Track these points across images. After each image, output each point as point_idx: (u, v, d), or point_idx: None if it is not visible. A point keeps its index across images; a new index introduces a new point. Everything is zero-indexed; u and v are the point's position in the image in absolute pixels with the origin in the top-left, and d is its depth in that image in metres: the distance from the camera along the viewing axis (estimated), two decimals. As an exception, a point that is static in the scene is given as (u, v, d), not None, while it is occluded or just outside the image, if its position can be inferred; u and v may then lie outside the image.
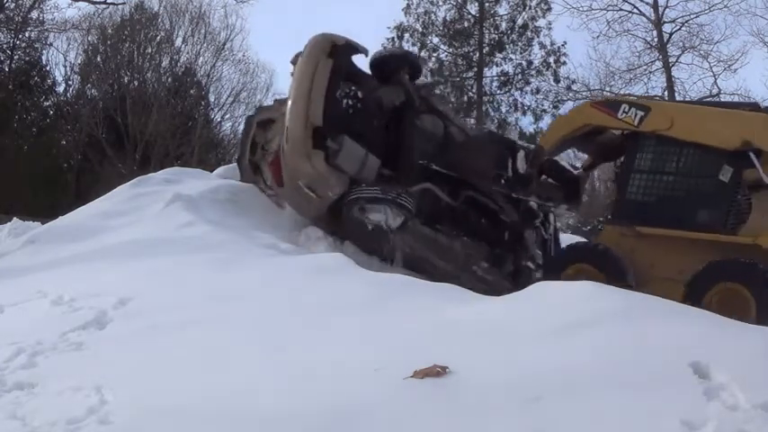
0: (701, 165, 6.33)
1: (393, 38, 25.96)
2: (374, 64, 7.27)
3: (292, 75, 7.02)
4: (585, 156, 8.17)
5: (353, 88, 7.05)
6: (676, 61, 22.67)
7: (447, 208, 7.12)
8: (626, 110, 6.68)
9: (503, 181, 7.04)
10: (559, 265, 6.71)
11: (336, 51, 6.80)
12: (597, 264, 6.40)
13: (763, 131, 6.05)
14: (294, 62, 7.18)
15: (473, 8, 26.08)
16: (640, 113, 6.58)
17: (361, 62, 7.32)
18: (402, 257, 6.71)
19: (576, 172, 7.99)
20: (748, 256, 5.79)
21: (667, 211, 6.38)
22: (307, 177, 6.55)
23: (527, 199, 7.28)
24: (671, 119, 6.47)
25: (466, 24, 26.15)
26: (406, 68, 7.20)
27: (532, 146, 7.75)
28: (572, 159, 11.52)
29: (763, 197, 6.11)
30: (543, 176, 7.50)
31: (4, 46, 25.06)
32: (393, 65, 7.18)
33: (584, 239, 9.62)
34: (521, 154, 7.19)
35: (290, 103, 6.76)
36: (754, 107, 6.64)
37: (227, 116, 27.23)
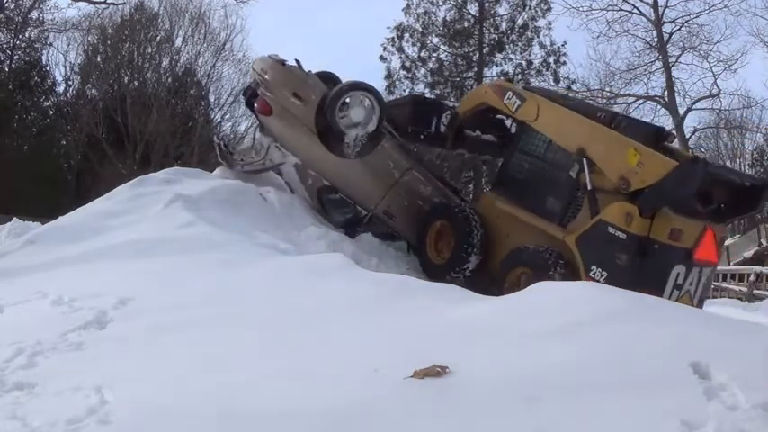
0: (555, 159, 6.84)
1: (393, 38, 26.01)
2: None
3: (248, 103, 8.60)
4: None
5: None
6: (676, 61, 22.73)
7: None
8: (509, 96, 7.21)
9: (422, 137, 7.91)
10: (427, 221, 7.46)
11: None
12: (451, 221, 7.19)
13: (593, 143, 6.41)
14: (244, 94, 9.09)
15: (473, 8, 26.10)
16: (518, 102, 7.13)
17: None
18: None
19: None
20: (551, 246, 6.33)
21: (525, 193, 7.01)
22: (289, 84, 7.58)
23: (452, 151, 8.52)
24: (536, 112, 6.99)
25: (466, 24, 26.16)
26: (331, 84, 8.20)
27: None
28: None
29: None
30: (478, 132, 8.21)
31: (4, 46, 25.11)
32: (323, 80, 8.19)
33: None
34: (446, 115, 7.99)
35: (261, 74, 7.89)
36: (611, 116, 6.89)
37: (227, 116, 27.27)
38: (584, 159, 6.37)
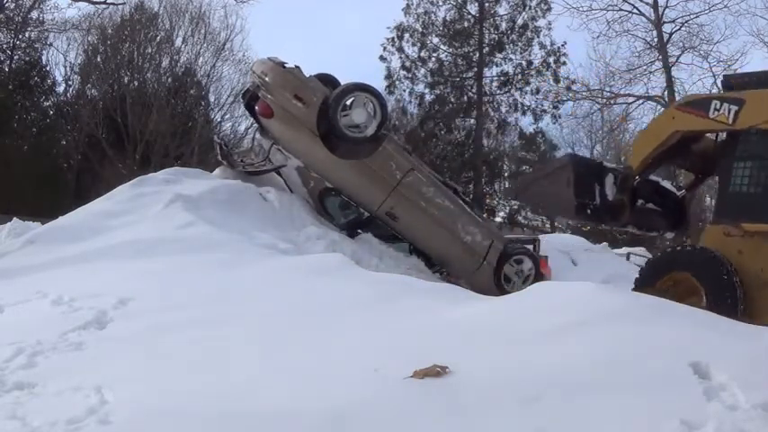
0: None
1: (393, 38, 26.02)
2: None
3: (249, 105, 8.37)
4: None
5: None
6: (676, 61, 22.70)
7: None
8: (717, 107, 5.84)
9: (588, 211, 6.49)
10: (650, 275, 5.88)
11: None
12: (698, 274, 5.55)
13: None
14: (243, 96, 8.85)
15: (473, 8, 26.13)
16: (734, 108, 5.74)
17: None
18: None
19: (679, 193, 7.07)
20: None
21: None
22: (290, 86, 7.48)
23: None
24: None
25: (466, 24, 26.19)
26: (330, 86, 8.15)
27: (621, 167, 6.94)
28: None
29: None
30: (641, 201, 6.69)
31: (4, 46, 25.07)
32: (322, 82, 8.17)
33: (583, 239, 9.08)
34: (609, 178, 6.54)
35: (262, 76, 7.78)
36: None
37: (227, 116, 27.24)
38: None
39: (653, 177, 6.77)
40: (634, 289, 5.88)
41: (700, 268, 5.59)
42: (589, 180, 6.49)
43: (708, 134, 6.15)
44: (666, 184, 7.05)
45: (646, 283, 5.90)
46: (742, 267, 5.60)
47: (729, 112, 5.77)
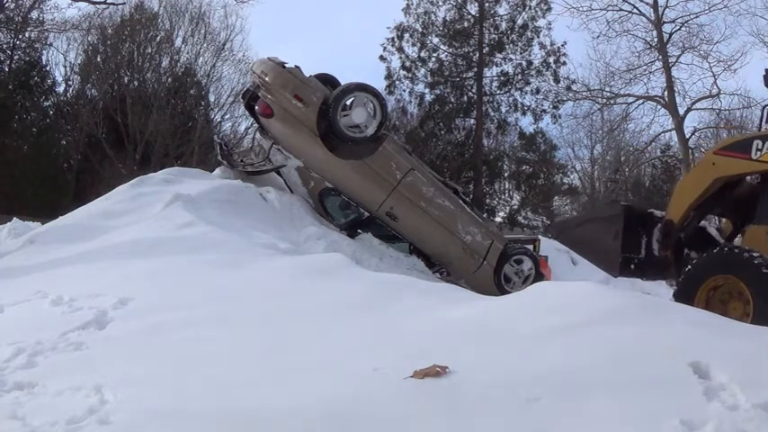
0: None
1: (393, 38, 26.03)
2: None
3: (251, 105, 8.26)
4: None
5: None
6: (676, 61, 22.72)
7: None
8: (759, 146, 5.46)
9: (632, 266, 6.19)
10: (693, 281, 5.49)
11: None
12: (742, 275, 5.26)
13: None
14: (244, 96, 8.84)
15: (473, 8, 26.15)
16: None
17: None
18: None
19: (722, 242, 6.63)
20: None
21: None
22: (290, 86, 7.51)
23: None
24: None
25: (466, 24, 26.21)
26: (330, 86, 8.16)
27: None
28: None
29: None
30: (687, 251, 6.30)
31: (4, 46, 25.06)
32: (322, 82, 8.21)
33: None
34: (657, 229, 6.22)
35: (262, 76, 7.76)
36: None
37: (227, 116, 27.26)
38: None
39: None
40: (676, 300, 5.41)
41: (744, 270, 5.27)
42: (637, 232, 6.21)
43: (748, 177, 5.89)
44: (711, 230, 6.75)
45: (687, 292, 5.50)
46: None
47: None
